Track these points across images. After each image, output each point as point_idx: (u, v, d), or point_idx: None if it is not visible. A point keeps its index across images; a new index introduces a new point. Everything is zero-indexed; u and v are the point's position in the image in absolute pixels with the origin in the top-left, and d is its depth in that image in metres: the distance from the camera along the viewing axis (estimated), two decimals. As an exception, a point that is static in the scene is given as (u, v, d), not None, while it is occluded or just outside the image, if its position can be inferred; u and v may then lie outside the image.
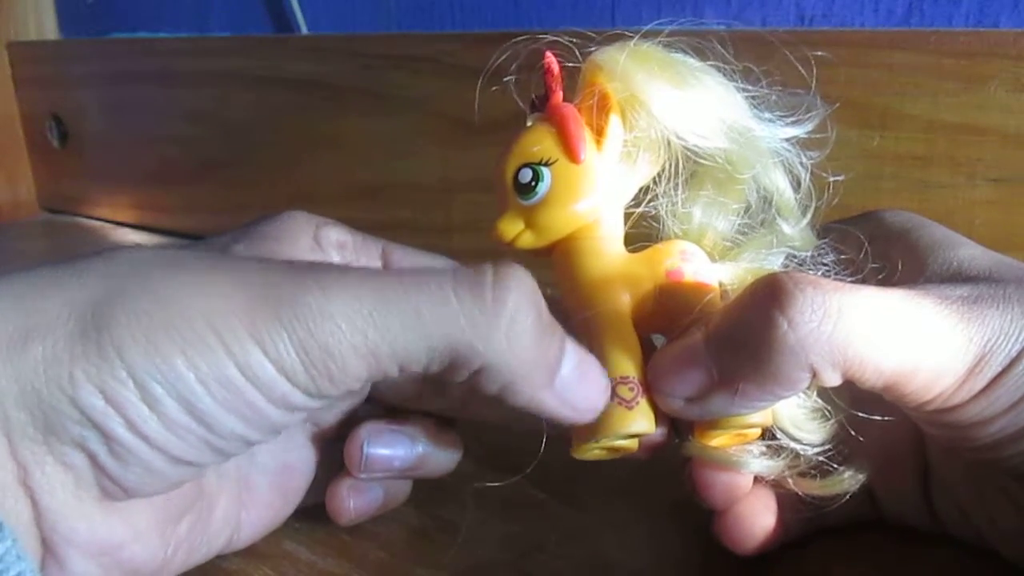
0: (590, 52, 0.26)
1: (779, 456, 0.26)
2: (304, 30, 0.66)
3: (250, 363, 0.21)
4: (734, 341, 0.23)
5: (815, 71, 0.28)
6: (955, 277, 0.24)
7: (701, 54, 0.27)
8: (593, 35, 0.27)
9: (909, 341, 0.22)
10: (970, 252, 0.25)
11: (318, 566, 0.29)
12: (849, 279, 0.25)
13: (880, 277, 0.26)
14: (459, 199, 0.55)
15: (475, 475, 0.30)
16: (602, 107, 0.26)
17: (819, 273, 0.26)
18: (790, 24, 0.46)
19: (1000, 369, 0.22)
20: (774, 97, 0.27)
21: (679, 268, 0.26)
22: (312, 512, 0.30)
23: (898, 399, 0.23)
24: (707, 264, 0.27)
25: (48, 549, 0.21)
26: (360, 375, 0.22)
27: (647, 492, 0.32)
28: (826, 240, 0.27)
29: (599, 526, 0.31)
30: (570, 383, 0.23)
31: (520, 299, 0.22)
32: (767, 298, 0.22)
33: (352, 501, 0.28)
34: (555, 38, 0.27)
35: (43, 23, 0.82)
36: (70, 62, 0.78)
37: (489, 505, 0.30)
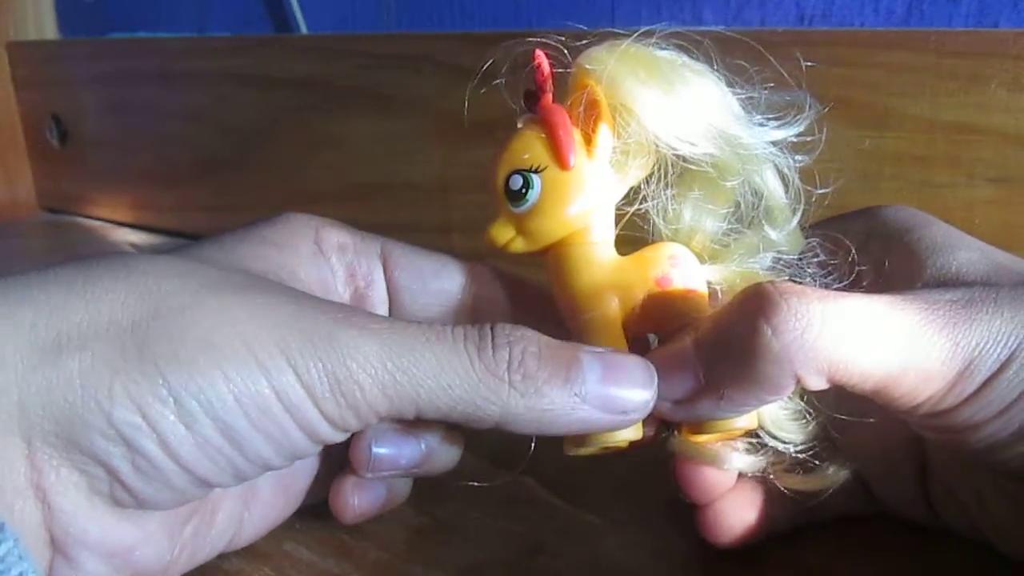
0: (582, 51, 0.26)
1: (762, 453, 0.26)
2: (304, 30, 0.66)
3: (284, 386, 0.21)
4: (721, 347, 0.23)
5: (814, 71, 0.28)
6: (952, 281, 0.24)
7: (696, 55, 0.27)
8: (590, 34, 0.27)
9: (894, 347, 0.22)
10: (969, 255, 0.25)
11: (318, 566, 0.29)
12: (838, 284, 0.25)
13: (873, 280, 0.26)
14: (458, 199, 0.55)
15: (475, 475, 0.30)
16: (591, 112, 0.26)
17: (806, 277, 0.26)
18: (789, 24, 0.46)
19: (989, 373, 0.22)
20: (765, 98, 0.27)
21: (667, 275, 0.26)
22: (312, 512, 0.30)
23: (888, 403, 0.23)
24: (696, 267, 0.27)
25: (59, 550, 0.21)
26: (380, 412, 0.23)
27: (647, 492, 0.32)
28: (816, 240, 0.27)
29: (599, 526, 0.31)
30: (602, 393, 0.24)
31: (516, 345, 0.23)
32: (753, 307, 0.22)
33: (356, 499, 0.28)
34: (545, 40, 0.27)
35: (43, 23, 0.82)
36: (70, 62, 0.78)
37: (489, 505, 0.30)
